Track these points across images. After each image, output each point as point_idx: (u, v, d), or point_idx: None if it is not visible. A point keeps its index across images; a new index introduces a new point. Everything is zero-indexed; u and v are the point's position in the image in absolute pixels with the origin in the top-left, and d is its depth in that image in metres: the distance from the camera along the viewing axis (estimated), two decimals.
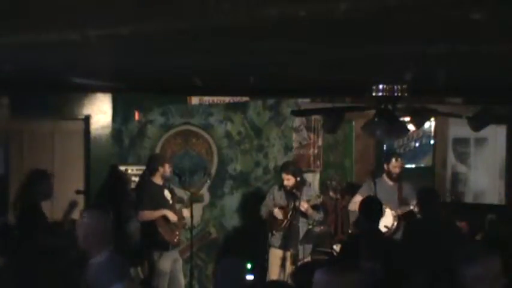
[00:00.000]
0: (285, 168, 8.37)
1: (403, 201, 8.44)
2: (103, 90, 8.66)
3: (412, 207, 8.25)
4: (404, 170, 8.89)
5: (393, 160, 8.65)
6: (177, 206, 8.21)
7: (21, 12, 3.58)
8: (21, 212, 7.20)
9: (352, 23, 3.77)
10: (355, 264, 4.85)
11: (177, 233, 8.06)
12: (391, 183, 8.60)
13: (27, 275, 4.50)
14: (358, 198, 8.47)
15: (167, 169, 8.11)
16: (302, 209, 8.13)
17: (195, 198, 8.48)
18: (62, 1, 3.36)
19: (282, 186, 8.30)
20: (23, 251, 4.76)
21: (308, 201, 8.18)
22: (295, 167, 8.44)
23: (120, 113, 9.00)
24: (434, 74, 6.49)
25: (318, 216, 8.30)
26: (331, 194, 9.23)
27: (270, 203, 8.36)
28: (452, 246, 6.24)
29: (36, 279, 4.58)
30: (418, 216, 7.86)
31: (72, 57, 5.47)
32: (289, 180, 8.20)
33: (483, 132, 8.89)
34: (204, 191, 9.18)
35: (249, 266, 7.84)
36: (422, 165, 10.91)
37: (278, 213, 8.24)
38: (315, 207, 8.24)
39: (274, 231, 8.30)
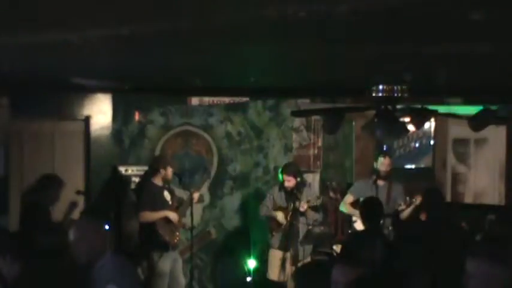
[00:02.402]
0: (285, 169, 8.34)
1: (391, 201, 8.35)
2: (103, 90, 8.65)
3: (400, 208, 8.22)
4: (403, 171, 8.85)
5: (381, 158, 8.49)
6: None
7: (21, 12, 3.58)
8: (24, 213, 7.26)
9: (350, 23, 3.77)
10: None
11: (178, 233, 8.06)
12: (380, 182, 8.44)
13: (29, 275, 4.50)
14: (348, 198, 8.49)
15: (169, 172, 8.09)
16: (302, 209, 8.13)
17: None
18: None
19: (282, 187, 8.30)
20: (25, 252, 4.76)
21: (308, 201, 8.18)
22: (296, 168, 8.43)
23: (120, 113, 9.00)
24: (434, 75, 6.49)
25: (316, 216, 8.29)
26: (331, 194, 9.22)
27: (270, 204, 8.36)
28: (455, 246, 6.24)
29: (37, 280, 4.57)
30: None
31: (72, 57, 5.47)
32: (289, 182, 8.19)
33: (483, 133, 8.89)
34: (204, 192, 9.17)
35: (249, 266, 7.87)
36: (422, 165, 10.90)
37: (279, 215, 8.23)
38: (313, 209, 8.23)
39: (274, 233, 8.31)
